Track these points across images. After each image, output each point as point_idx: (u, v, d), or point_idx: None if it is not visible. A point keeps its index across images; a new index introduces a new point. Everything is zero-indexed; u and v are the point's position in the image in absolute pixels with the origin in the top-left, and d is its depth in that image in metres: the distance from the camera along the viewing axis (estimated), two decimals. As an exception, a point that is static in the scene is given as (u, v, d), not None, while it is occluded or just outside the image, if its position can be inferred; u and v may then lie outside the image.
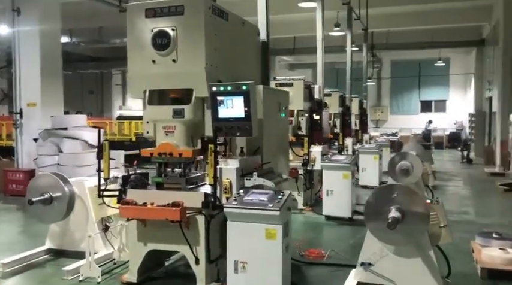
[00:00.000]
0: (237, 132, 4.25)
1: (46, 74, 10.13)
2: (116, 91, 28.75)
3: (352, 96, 13.73)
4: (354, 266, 4.80)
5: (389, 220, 3.83)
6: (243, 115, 4.19)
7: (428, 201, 4.21)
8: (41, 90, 10.00)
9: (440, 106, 27.43)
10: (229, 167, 4.26)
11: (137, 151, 13.14)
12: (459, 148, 20.80)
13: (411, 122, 26.92)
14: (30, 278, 5.04)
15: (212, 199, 4.23)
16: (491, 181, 12.17)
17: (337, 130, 11.58)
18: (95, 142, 9.32)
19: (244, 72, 5.04)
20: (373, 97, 26.92)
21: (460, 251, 5.59)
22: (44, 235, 5.90)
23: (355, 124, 14.04)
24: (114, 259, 5.37)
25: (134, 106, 28.89)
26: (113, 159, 9.21)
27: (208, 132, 4.46)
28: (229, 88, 4.20)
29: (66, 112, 12.00)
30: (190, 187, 4.55)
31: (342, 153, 10.38)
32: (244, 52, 5.21)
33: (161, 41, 4.30)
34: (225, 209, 3.85)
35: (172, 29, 4.29)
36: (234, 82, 4.31)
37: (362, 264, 4.32)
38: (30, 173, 9.78)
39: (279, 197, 3.81)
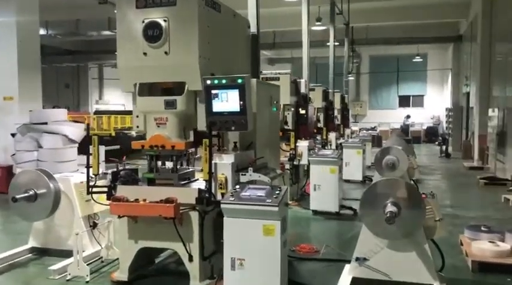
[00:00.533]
0: (232, 126, 4.16)
1: (24, 67, 9.79)
2: (93, 85, 28.20)
3: (334, 91, 13.77)
4: (346, 261, 4.81)
5: (387, 215, 3.81)
6: (238, 109, 4.10)
7: (424, 195, 4.21)
8: (18, 84, 9.66)
9: (418, 101, 27.85)
10: (224, 163, 4.17)
11: (118, 147, 12.93)
12: (437, 142, 21.19)
13: (389, 117, 27.29)
14: (13, 278, 4.85)
15: (206, 195, 4.14)
16: (470, 175, 12.40)
17: (320, 124, 11.60)
18: (76, 137, 9.15)
19: (235, 65, 4.96)
20: (352, 92, 27.10)
21: (448, 244, 5.63)
22: (25, 232, 5.71)
23: (337, 119, 14.11)
24: (101, 257, 5.22)
25: (111, 100, 28.49)
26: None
27: (201, 126, 4.36)
28: (224, 81, 4.10)
29: (42, 107, 11.65)
30: (182, 182, 4.44)
31: (326, 148, 10.40)
32: (235, 45, 5.11)
33: (153, 33, 4.17)
34: (222, 205, 3.76)
35: (164, 20, 4.16)
36: (226, 75, 4.22)
37: (357, 259, 4.29)
38: (8, 169, 9.49)
39: (277, 192, 3.74)
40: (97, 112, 20.71)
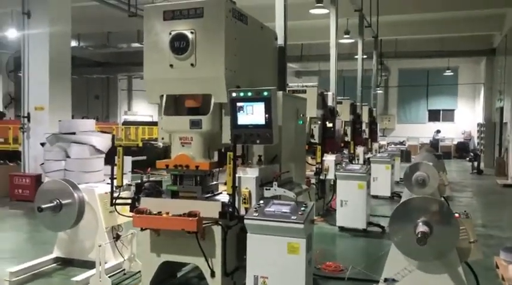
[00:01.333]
0: (257, 140, 4.07)
1: (55, 78, 9.99)
2: (122, 96, 28.70)
3: (362, 104, 13.56)
4: (374, 281, 4.63)
5: (419, 235, 3.63)
6: (264, 122, 4.01)
7: (457, 215, 4.01)
8: (49, 94, 9.85)
9: (448, 115, 27.22)
10: (249, 176, 4.07)
11: (144, 157, 13.03)
12: (468, 158, 20.58)
13: (418, 131, 26.74)
14: (38, 288, 4.87)
15: (230, 209, 4.04)
16: (505, 193, 11.95)
17: (347, 138, 11.40)
18: (103, 148, 9.21)
19: (262, 77, 4.89)
20: (380, 105, 26.71)
21: (482, 267, 5.35)
22: (51, 242, 5.74)
23: (365, 133, 13.86)
24: (124, 269, 5.19)
25: (140, 111, 28.91)
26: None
27: (226, 139, 4.29)
28: (249, 94, 4.02)
29: (72, 117, 11.86)
30: (206, 196, 4.36)
31: (353, 162, 10.19)
32: (262, 57, 5.05)
33: (179, 44, 4.14)
34: (246, 221, 3.66)
35: (191, 32, 4.13)
36: (252, 88, 4.14)
37: (386, 280, 4.10)
38: (37, 178, 9.64)
39: (302, 208, 3.62)
40: (125, 123, 21.02)
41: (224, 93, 4.11)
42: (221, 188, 4.62)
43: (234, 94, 4.05)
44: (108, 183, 5.68)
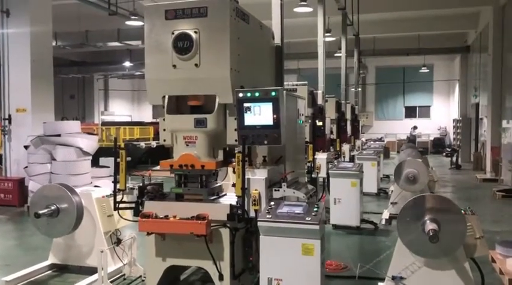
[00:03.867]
0: (265, 140, 4.02)
1: (37, 78, 9.71)
2: (98, 96, 28.14)
3: (346, 101, 13.66)
4: (378, 279, 4.66)
5: (430, 233, 3.66)
6: (271, 123, 3.97)
7: (462, 211, 4.06)
8: (31, 95, 9.56)
9: (425, 111, 27.74)
10: (257, 178, 4.03)
11: (129, 158, 12.86)
12: (444, 154, 21.03)
13: (396, 128, 27.16)
14: (35, 296, 4.71)
15: (238, 211, 4.00)
16: (485, 187, 12.24)
17: (333, 136, 11.45)
18: (89, 150, 9.06)
19: (261, 77, 4.85)
20: (358, 103, 27.01)
21: (480, 261, 5.47)
22: (42, 247, 5.59)
23: (348, 130, 13.96)
24: (124, 274, 5.08)
25: (116, 111, 28.44)
26: (108, 166, 8.95)
27: (230, 140, 4.23)
28: (257, 94, 3.98)
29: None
30: (212, 197, 4.30)
31: (339, 160, 10.25)
32: (262, 57, 5.01)
33: (183, 44, 4.05)
34: (259, 223, 3.62)
35: (195, 32, 4.05)
36: (255, 88, 4.10)
37: (393, 277, 4.14)
38: (20, 182, 9.36)
39: (315, 209, 3.61)
40: (104, 124, 20.62)
41: (229, 94, 4.05)
42: (225, 189, 4.56)
43: (241, 95, 4.00)
44: (96, 186, 5.57)
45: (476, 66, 19.01)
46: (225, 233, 4.08)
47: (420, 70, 24.81)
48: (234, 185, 4.03)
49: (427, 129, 26.87)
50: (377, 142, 16.58)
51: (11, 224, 8.03)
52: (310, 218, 3.50)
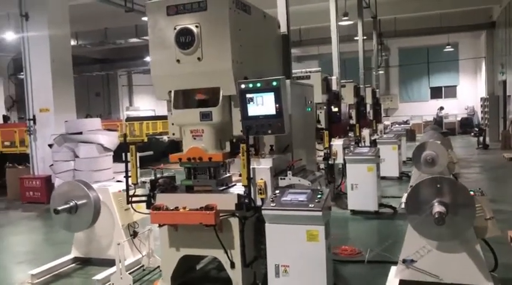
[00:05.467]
0: (268, 130, 4.07)
1: (57, 79, 10.00)
2: (123, 92, 28.67)
3: (366, 85, 13.52)
4: (391, 263, 4.67)
5: (436, 215, 3.66)
6: (274, 112, 4.01)
7: (472, 192, 4.02)
8: (53, 96, 9.86)
9: (451, 92, 27.13)
10: (263, 167, 4.09)
11: (151, 153, 13.12)
12: (472, 134, 20.54)
13: (422, 109, 26.69)
14: (59, 289, 4.93)
15: (246, 201, 4.07)
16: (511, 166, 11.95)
17: (353, 121, 11.37)
18: (110, 146, 9.30)
19: (267, 67, 4.87)
20: (382, 86, 26.60)
21: (495, 242, 5.38)
22: (67, 242, 5.79)
23: (369, 114, 13.83)
24: (143, 265, 5.25)
25: (141, 106, 28.92)
26: (129, 161, 9.12)
27: (236, 131, 4.29)
28: (258, 84, 4.02)
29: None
30: (221, 188, 4.38)
31: (360, 145, 10.19)
32: (267, 47, 5.03)
33: (185, 39, 4.12)
34: (263, 211, 3.69)
35: (196, 26, 4.10)
36: (259, 78, 4.14)
37: (404, 261, 4.16)
38: (47, 180, 9.70)
39: (319, 196, 3.65)
40: (129, 119, 21.03)
41: (232, 85, 4.10)
42: (234, 179, 4.64)
43: (243, 86, 4.05)
44: (119, 181, 5.73)
45: (502, 41, 18.42)
46: (234, 222, 4.17)
47: (444, 50, 24.22)
48: (240, 175, 4.10)
49: (454, 109, 26.29)
50: (399, 126, 16.33)
51: (39, 221, 8.36)
52: (313, 205, 3.54)
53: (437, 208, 3.77)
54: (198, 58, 4.14)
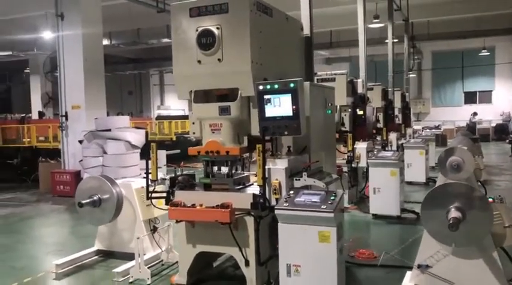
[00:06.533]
0: (285, 131, 4.12)
1: (89, 77, 10.34)
2: (154, 91, 29.22)
3: (394, 89, 13.35)
4: (408, 268, 4.63)
5: (451, 221, 3.61)
6: (291, 114, 4.06)
7: (491, 199, 3.96)
8: (84, 93, 10.20)
9: (486, 97, 26.40)
10: (278, 168, 4.14)
11: (178, 151, 13.38)
12: (507, 141, 19.92)
13: (454, 114, 26.08)
14: (82, 279, 5.11)
15: (261, 200, 4.13)
16: (545, 175, 11.57)
17: (380, 125, 11.26)
18: (138, 143, 9.52)
19: (289, 68, 4.92)
20: (414, 89, 26.19)
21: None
22: (92, 235, 5.98)
23: (398, 118, 13.65)
24: (162, 260, 5.38)
25: (172, 105, 29.39)
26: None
27: (255, 131, 4.36)
28: (276, 86, 4.08)
29: (106, 114, 12.24)
30: (237, 187, 4.46)
31: (386, 149, 10.07)
32: (288, 49, 5.08)
33: (206, 40, 4.22)
34: (276, 211, 3.74)
35: (217, 28, 4.20)
36: (280, 79, 4.19)
37: (419, 266, 4.11)
38: (76, 174, 10.03)
39: (332, 198, 3.67)
40: (159, 118, 21.42)
41: (251, 87, 4.17)
42: (252, 179, 4.71)
43: (261, 87, 4.11)
44: (145, 177, 5.88)
45: (541, 46, 17.82)
46: (250, 221, 4.23)
47: (480, 54, 23.60)
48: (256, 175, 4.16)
49: (489, 114, 25.55)
50: (429, 130, 16.04)
51: (68, 214, 8.65)
52: (325, 207, 3.57)
53: (453, 213, 3.72)
54: (219, 59, 4.23)
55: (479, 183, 8.64)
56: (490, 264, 3.89)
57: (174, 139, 16.26)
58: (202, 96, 4.54)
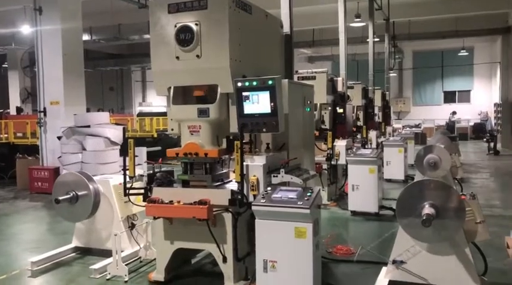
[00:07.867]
0: (263, 128, 4.14)
1: (68, 72, 10.20)
2: (136, 87, 28.95)
3: (375, 87, 13.49)
4: (384, 263, 4.70)
5: (424, 217, 3.69)
6: (269, 111, 4.08)
7: (463, 196, 4.04)
8: (63, 89, 10.06)
9: (464, 96, 26.87)
10: (256, 164, 4.16)
11: (159, 148, 13.27)
12: (485, 139, 20.34)
13: (434, 113, 26.49)
14: (58, 276, 5.04)
15: (239, 197, 4.15)
16: (521, 173, 11.84)
17: (360, 123, 11.39)
18: (117, 140, 9.44)
19: (268, 66, 4.94)
20: (394, 88, 26.49)
21: (493, 247, 5.38)
22: (70, 232, 5.93)
23: (378, 117, 13.82)
24: (140, 257, 5.36)
25: (154, 102, 29.16)
26: (136, 156, 9.26)
27: (233, 128, 4.36)
28: (254, 83, 4.09)
29: (87, 110, 12.10)
30: (216, 184, 4.47)
31: (366, 146, 10.20)
32: (268, 46, 5.10)
33: (185, 37, 4.22)
34: (253, 207, 3.76)
35: (196, 24, 4.20)
36: (259, 77, 4.21)
37: (394, 262, 4.19)
38: (55, 171, 9.89)
39: (308, 194, 3.70)
40: (140, 114, 21.23)
41: (230, 83, 4.18)
42: (231, 176, 4.72)
43: (239, 84, 4.12)
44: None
45: (517, 47, 18.20)
46: (228, 217, 4.25)
47: (459, 54, 23.98)
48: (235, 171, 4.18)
49: (467, 114, 26.03)
50: (409, 129, 16.26)
51: (45, 211, 8.53)
52: (302, 203, 3.60)
53: (427, 210, 3.80)
54: (197, 56, 4.23)
55: (455, 180, 8.86)
56: (463, 259, 3.99)
57: (155, 136, 16.13)
58: (181, 97, 4.53)
